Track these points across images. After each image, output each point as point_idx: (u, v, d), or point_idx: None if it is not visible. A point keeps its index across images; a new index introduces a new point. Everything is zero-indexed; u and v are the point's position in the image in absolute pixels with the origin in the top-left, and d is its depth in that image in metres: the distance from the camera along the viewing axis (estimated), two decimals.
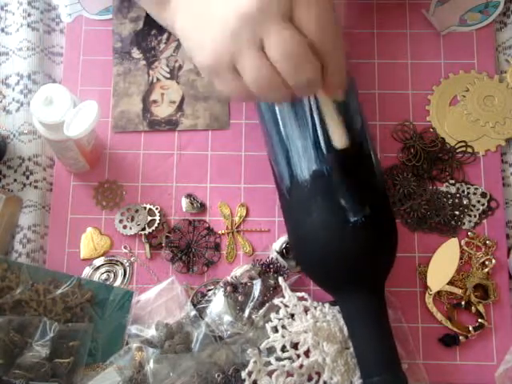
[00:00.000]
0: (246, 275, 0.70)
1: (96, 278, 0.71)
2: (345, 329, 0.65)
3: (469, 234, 0.73)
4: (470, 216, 0.73)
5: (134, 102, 0.77)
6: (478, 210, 0.73)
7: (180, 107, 0.77)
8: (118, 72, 0.78)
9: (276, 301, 0.67)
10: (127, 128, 0.77)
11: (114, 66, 0.78)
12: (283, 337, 0.65)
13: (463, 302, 0.70)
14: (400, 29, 0.80)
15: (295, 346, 0.65)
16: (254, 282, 0.68)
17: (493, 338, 0.70)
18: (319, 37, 0.50)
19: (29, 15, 0.78)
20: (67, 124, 0.64)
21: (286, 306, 0.67)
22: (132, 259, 0.72)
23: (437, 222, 0.73)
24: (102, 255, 0.72)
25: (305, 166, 0.63)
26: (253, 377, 0.64)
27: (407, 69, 0.78)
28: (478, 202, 0.73)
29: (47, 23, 0.80)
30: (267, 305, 0.67)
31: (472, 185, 0.74)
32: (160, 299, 0.69)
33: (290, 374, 0.64)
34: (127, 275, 0.72)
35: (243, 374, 0.63)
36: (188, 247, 0.72)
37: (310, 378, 0.64)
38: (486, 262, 0.71)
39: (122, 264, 0.72)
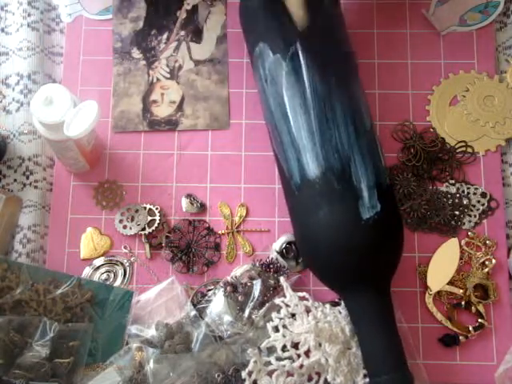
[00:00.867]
0: (246, 275, 0.70)
1: (96, 278, 0.71)
2: (346, 329, 0.65)
3: (469, 233, 0.73)
4: (470, 216, 0.73)
5: (133, 102, 0.77)
6: (478, 210, 0.73)
7: (180, 107, 0.77)
8: (118, 72, 0.78)
9: (277, 300, 0.67)
10: (127, 128, 0.77)
11: (114, 66, 0.78)
12: (284, 336, 0.65)
13: (463, 302, 0.70)
14: (400, 29, 0.80)
15: (296, 345, 0.65)
16: (254, 282, 0.68)
17: (493, 338, 0.70)
18: None
19: (29, 15, 0.78)
20: (67, 124, 0.64)
21: (287, 305, 0.67)
22: (132, 259, 0.72)
23: (437, 221, 0.73)
24: (102, 255, 0.72)
25: (316, 162, 0.63)
26: (253, 377, 0.64)
27: (407, 69, 0.78)
28: (478, 201, 0.73)
29: (47, 23, 0.80)
30: (267, 304, 0.67)
31: (472, 185, 0.74)
32: (160, 299, 0.69)
33: (290, 374, 0.64)
34: (127, 275, 0.72)
35: (243, 374, 0.63)
36: (188, 247, 0.72)
37: (310, 378, 0.64)
38: (486, 262, 0.71)
39: (122, 264, 0.72)
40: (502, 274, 0.72)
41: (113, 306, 0.68)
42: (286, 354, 0.64)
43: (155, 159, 0.76)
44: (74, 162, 0.72)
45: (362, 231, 0.61)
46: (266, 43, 0.68)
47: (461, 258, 0.71)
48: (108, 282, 0.71)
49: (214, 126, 0.77)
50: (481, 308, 0.70)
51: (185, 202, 0.74)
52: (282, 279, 0.68)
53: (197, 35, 0.79)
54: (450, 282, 0.70)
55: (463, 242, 0.72)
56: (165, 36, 0.80)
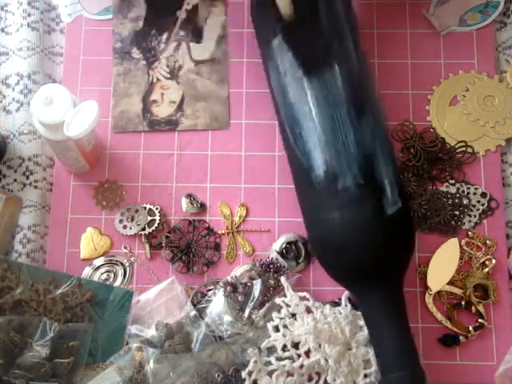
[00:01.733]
0: (246, 275, 0.70)
1: (96, 278, 0.71)
2: (346, 330, 0.65)
3: (469, 233, 0.73)
4: (470, 216, 0.73)
5: (133, 102, 0.77)
6: (478, 210, 0.73)
7: (180, 107, 0.77)
8: (118, 72, 0.78)
9: (278, 300, 0.67)
10: (127, 128, 0.77)
11: (114, 66, 0.78)
12: (284, 336, 0.65)
13: (463, 302, 0.70)
14: (400, 29, 0.80)
15: (296, 345, 0.65)
16: (254, 282, 0.68)
17: (493, 338, 0.70)
18: None
19: (29, 15, 0.78)
20: (67, 124, 0.64)
21: (287, 305, 0.67)
22: (132, 259, 0.72)
23: (437, 222, 0.73)
24: (102, 255, 0.72)
25: (341, 156, 0.62)
26: (253, 376, 0.64)
27: (407, 69, 0.78)
28: (478, 202, 0.73)
29: (47, 23, 0.80)
30: (267, 304, 0.67)
31: (472, 185, 0.74)
32: (160, 299, 0.69)
33: (290, 374, 0.64)
34: (127, 275, 0.72)
35: (243, 374, 0.63)
36: (188, 247, 0.72)
37: (310, 378, 0.64)
38: (486, 262, 0.71)
39: (122, 264, 0.72)
40: (501, 274, 0.72)
41: (113, 306, 0.68)
42: (287, 354, 0.64)
43: (155, 159, 0.76)
44: (74, 162, 0.72)
45: (386, 227, 0.61)
46: (285, 36, 0.67)
47: (461, 258, 0.71)
48: (108, 282, 0.71)
49: (213, 126, 0.77)
50: (481, 308, 0.70)
51: (185, 202, 0.74)
52: (282, 279, 0.68)
53: (197, 35, 0.79)
54: (450, 282, 0.70)
55: (463, 241, 0.72)
56: (165, 36, 0.80)
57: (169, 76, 0.78)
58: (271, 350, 0.65)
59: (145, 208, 0.73)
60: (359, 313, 0.67)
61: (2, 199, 0.69)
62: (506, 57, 0.79)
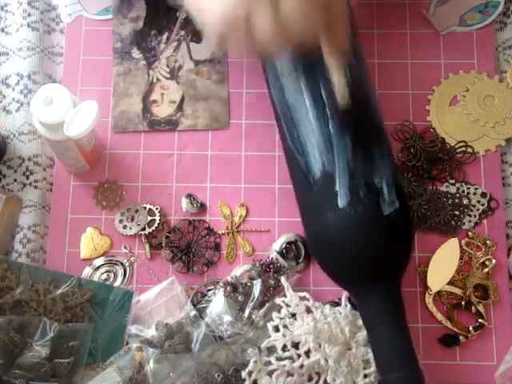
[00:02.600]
0: (246, 275, 0.70)
1: (96, 278, 0.71)
2: (346, 330, 0.65)
3: (469, 233, 0.73)
4: (470, 216, 0.73)
5: (133, 102, 0.77)
6: (478, 210, 0.73)
7: (180, 107, 0.77)
8: (118, 72, 0.78)
9: (278, 300, 0.67)
10: (127, 128, 0.77)
11: (114, 66, 0.78)
12: (284, 336, 0.65)
13: (463, 302, 0.70)
14: (400, 29, 0.80)
15: (296, 345, 0.65)
16: (254, 282, 0.68)
17: (493, 338, 0.70)
18: None
19: (29, 15, 0.78)
20: (67, 124, 0.64)
21: (287, 305, 0.67)
22: (132, 259, 0.72)
23: (437, 222, 0.73)
24: (102, 255, 0.72)
25: (338, 157, 0.62)
26: (253, 376, 0.64)
27: (407, 69, 0.78)
28: (478, 201, 0.73)
29: (47, 23, 0.80)
30: (267, 304, 0.67)
31: (472, 185, 0.74)
32: (160, 299, 0.69)
33: (290, 374, 0.64)
34: (127, 275, 0.72)
35: (243, 374, 0.63)
36: (188, 247, 0.72)
37: (310, 378, 0.64)
38: (486, 262, 0.71)
39: (122, 264, 0.72)
40: (501, 274, 0.72)
41: (113, 306, 0.68)
42: (287, 354, 0.64)
43: (155, 159, 0.76)
44: (74, 162, 0.72)
45: (383, 227, 0.61)
46: None
47: (461, 258, 0.71)
48: (108, 282, 0.71)
49: (213, 126, 0.77)
50: (481, 308, 0.70)
51: (185, 202, 0.74)
52: (282, 279, 0.68)
53: (197, 35, 0.79)
54: (450, 282, 0.70)
55: (463, 242, 0.72)
56: (165, 36, 0.80)
57: (169, 76, 0.78)
58: (271, 349, 0.65)
59: (145, 208, 0.73)
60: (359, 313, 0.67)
61: (1, 199, 0.69)
62: (506, 57, 0.79)
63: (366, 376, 0.64)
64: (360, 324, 0.66)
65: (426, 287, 0.70)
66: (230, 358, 0.65)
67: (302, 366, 0.64)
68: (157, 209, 0.73)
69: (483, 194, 0.74)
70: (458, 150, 0.75)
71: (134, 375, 0.64)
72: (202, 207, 0.74)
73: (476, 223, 0.73)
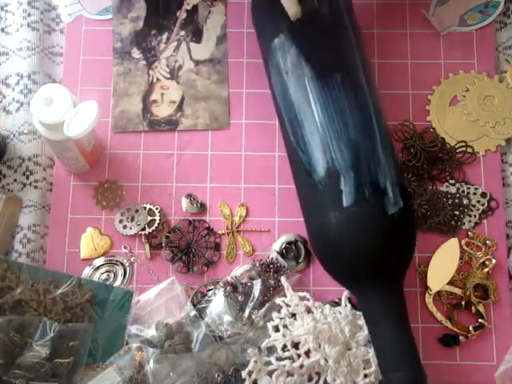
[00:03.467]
0: (246, 275, 0.70)
1: (96, 278, 0.71)
2: (346, 330, 0.65)
3: (469, 233, 0.73)
4: (470, 216, 0.73)
5: (133, 102, 0.77)
6: (478, 210, 0.73)
7: (180, 107, 0.77)
8: (117, 72, 0.78)
9: (278, 300, 0.67)
10: (127, 128, 0.77)
11: (114, 66, 0.78)
12: (284, 336, 0.65)
13: (463, 302, 0.70)
14: (400, 29, 0.80)
15: (296, 345, 0.65)
16: (254, 282, 0.68)
17: (493, 338, 0.70)
18: None
19: (29, 15, 0.78)
20: (67, 124, 0.64)
21: (287, 305, 0.67)
22: (132, 259, 0.72)
23: (437, 222, 0.73)
24: (102, 255, 0.72)
25: (342, 154, 0.63)
26: (253, 376, 0.64)
27: (407, 69, 0.78)
28: (478, 202, 0.73)
29: (47, 23, 0.80)
30: (267, 304, 0.67)
31: (472, 185, 0.74)
32: (160, 299, 0.69)
33: (290, 374, 0.64)
34: (127, 275, 0.72)
35: (243, 374, 0.63)
36: (188, 247, 0.72)
37: (310, 378, 0.64)
38: (486, 262, 0.71)
39: (122, 264, 0.72)
40: (501, 274, 0.72)
41: (113, 306, 0.68)
42: (287, 354, 0.64)
43: (155, 159, 0.76)
44: (74, 162, 0.72)
45: (387, 226, 0.62)
46: (288, 35, 0.67)
47: (461, 258, 0.71)
48: (108, 282, 0.71)
49: (213, 126, 0.77)
50: (481, 308, 0.70)
51: (185, 202, 0.74)
52: (282, 279, 0.68)
53: (197, 35, 0.80)
54: (450, 282, 0.70)
55: (463, 241, 0.72)
56: (165, 36, 0.80)
57: (169, 76, 0.78)
58: (271, 349, 0.65)
59: (145, 208, 0.73)
60: (359, 313, 0.67)
61: (1, 199, 0.69)
62: (505, 57, 0.79)
63: (366, 376, 0.64)
64: (360, 324, 0.66)
65: (426, 287, 0.70)
66: (230, 357, 0.65)
67: (302, 366, 0.64)
68: (157, 209, 0.73)
69: (483, 194, 0.74)
70: (458, 150, 0.75)
71: (133, 375, 0.64)
72: (202, 207, 0.74)
73: (476, 223, 0.73)
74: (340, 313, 0.67)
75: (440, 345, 0.70)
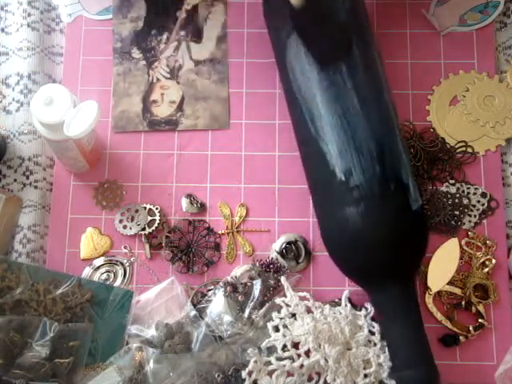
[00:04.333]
0: (246, 275, 0.70)
1: (96, 278, 0.71)
2: (346, 330, 0.65)
3: (469, 234, 0.73)
4: (470, 216, 0.73)
5: (134, 102, 0.77)
6: (478, 210, 0.73)
7: (180, 107, 0.77)
8: (117, 72, 0.78)
9: (278, 300, 0.67)
10: (127, 128, 0.77)
11: (114, 66, 0.78)
12: (284, 336, 0.65)
13: (463, 302, 0.70)
14: (400, 29, 0.80)
15: (296, 345, 0.65)
16: (254, 282, 0.68)
17: (493, 338, 0.70)
18: None
19: (29, 15, 0.78)
20: (67, 124, 0.64)
21: (287, 305, 0.67)
22: (132, 259, 0.72)
23: (437, 222, 0.73)
24: (102, 255, 0.72)
25: (364, 152, 0.63)
26: (253, 376, 0.64)
27: (407, 69, 0.78)
28: (478, 201, 0.73)
29: (47, 23, 0.80)
30: (267, 304, 0.67)
31: (472, 185, 0.74)
32: (160, 299, 0.69)
33: (290, 374, 0.64)
34: (127, 275, 0.72)
35: (243, 374, 0.63)
36: (188, 247, 0.72)
37: (310, 378, 0.64)
38: (486, 262, 0.71)
39: (122, 264, 0.72)
40: (501, 274, 0.72)
41: (113, 306, 0.68)
42: (287, 354, 0.64)
43: (155, 159, 0.76)
44: (74, 162, 0.72)
45: (411, 222, 0.63)
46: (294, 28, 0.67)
47: (461, 258, 0.71)
48: (108, 282, 0.71)
49: (214, 125, 0.77)
50: (481, 308, 0.70)
51: (185, 202, 0.74)
52: (283, 279, 0.68)
53: (197, 35, 0.80)
54: (450, 282, 0.70)
55: (463, 241, 0.72)
56: (165, 36, 0.80)
57: (169, 76, 0.78)
58: (271, 349, 0.65)
59: (145, 208, 0.73)
60: (359, 313, 0.67)
61: (1, 199, 0.69)
62: (506, 57, 0.79)
63: (366, 376, 0.64)
64: (360, 324, 0.67)
65: (426, 287, 0.70)
66: (229, 358, 0.65)
67: (302, 366, 0.64)
68: (157, 209, 0.73)
69: (483, 194, 0.74)
70: (458, 150, 0.75)
71: (133, 375, 0.64)
72: (202, 207, 0.74)
73: (476, 223, 0.73)
74: (340, 313, 0.67)
75: (440, 345, 0.70)
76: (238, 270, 0.71)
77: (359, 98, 0.64)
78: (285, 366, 0.64)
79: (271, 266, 0.70)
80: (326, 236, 0.67)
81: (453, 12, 0.80)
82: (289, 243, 0.72)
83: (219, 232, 0.73)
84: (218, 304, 0.67)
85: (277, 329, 0.65)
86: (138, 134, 0.76)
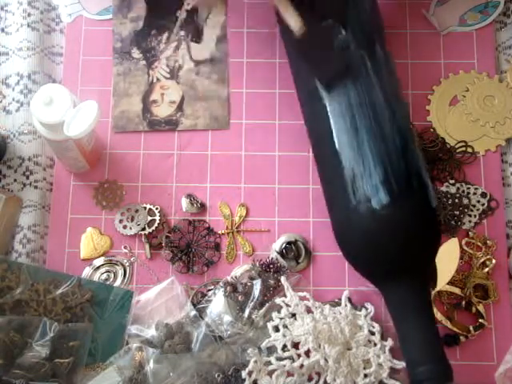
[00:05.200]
0: (246, 275, 0.70)
1: (96, 278, 0.71)
2: (346, 330, 0.65)
3: (469, 234, 0.73)
4: (470, 216, 0.73)
5: (134, 102, 0.77)
6: (478, 210, 0.73)
7: (180, 107, 0.77)
8: (118, 72, 0.78)
9: (278, 300, 0.67)
10: (127, 128, 0.77)
11: (114, 66, 0.78)
12: (284, 336, 0.65)
13: (463, 302, 0.70)
14: (400, 29, 0.80)
15: (296, 345, 0.65)
16: (254, 282, 0.68)
17: (493, 338, 0.70)
18: None
19: (29, 15, 0.78)
20: (67, 124, 0.64)
21: (287, 305, 0.67)
22: (132, 259, 0.72)
23: None
24: (102, 255, 0.72)
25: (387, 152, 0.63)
26: (253, 376, 0.64)
27: (407, 69, 0.78)
28: (478, 201, 0.73)
29: (47, 23, 0.80)
30: (267, 304, 0.67)
31: (472, 185, 0.74)
32: (160, 299, 0.69)
33: (290, 374, 0.64)
34: (127, 275, 0.72)
35: (243, 374, 0.63)
36: (188, 247, 0.72)
37: (310, 378, 0.64)
38: (486, 262, 0.71)
39: (122, 264, 0.72)
40: (501, 273, 0.72)
41: (113, 306, 0.68)
42: (287, 354, 0.64)
43: (155, 159, 0.76)
44: (74, 162, 0.72)
45: (432, 219, 0.63)
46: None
47: (461, 258, 0.71)
48: (108, 282, 0.71)
49: (214, 125, 0.77)
50: (481, 308, 0.70)
51: (185, 202, 0.74)
52: (283, 279, 0.68)
53: (197, 35, 0.79)
54: (450, 282, 0.70)
55: (463, 241, 0.72)
56: (165, 36, 0.80)
57: (169, 76, 0.78)
58: (271, 349, 0.65)
59: (145, 208, 0.73)
60: (359, 313, 0.67)
61: (1, 199, 0.69)
62: (506, 57, 0.79)
63: (366, 376, 0.64)
64: (360, 324, 0.67)
65: None
66: (229, 358, 0.65)
67: (302, 366, 0.64)
68: (157, 209, 0.73)
69: (483, 194, 0.74)
70: (458, 150, 0.75)
71: (133, 375, 0.64)
72: (202, 207, 0.74)
73: (476, 223, 0.73)
74: (340, 313, 0.67)
75: None
76: (238, 270, 0.71)
77: (383, 94, 0.64)
78: (285, 366, 0.63)
79: (271, 266, 0.70)
80: (337, 233, 0.66)
81: (453, 12, 0.80)
82: (289, 243, 0.72)
83: (219, 232, 0.73)
84: (218, 304, 0.67)
85: (277, 329, 0.65)
86: (138, 134, 0.76)
